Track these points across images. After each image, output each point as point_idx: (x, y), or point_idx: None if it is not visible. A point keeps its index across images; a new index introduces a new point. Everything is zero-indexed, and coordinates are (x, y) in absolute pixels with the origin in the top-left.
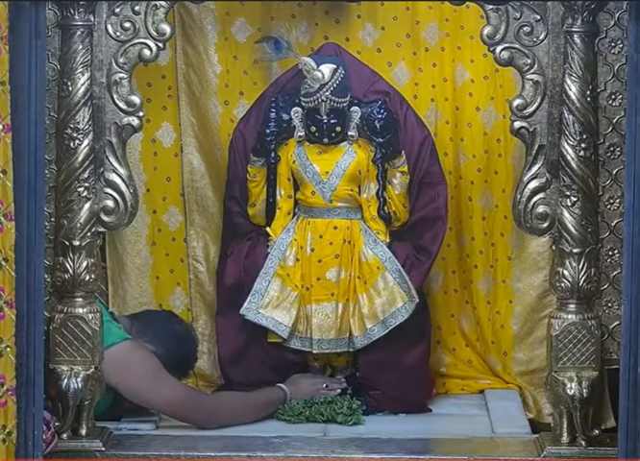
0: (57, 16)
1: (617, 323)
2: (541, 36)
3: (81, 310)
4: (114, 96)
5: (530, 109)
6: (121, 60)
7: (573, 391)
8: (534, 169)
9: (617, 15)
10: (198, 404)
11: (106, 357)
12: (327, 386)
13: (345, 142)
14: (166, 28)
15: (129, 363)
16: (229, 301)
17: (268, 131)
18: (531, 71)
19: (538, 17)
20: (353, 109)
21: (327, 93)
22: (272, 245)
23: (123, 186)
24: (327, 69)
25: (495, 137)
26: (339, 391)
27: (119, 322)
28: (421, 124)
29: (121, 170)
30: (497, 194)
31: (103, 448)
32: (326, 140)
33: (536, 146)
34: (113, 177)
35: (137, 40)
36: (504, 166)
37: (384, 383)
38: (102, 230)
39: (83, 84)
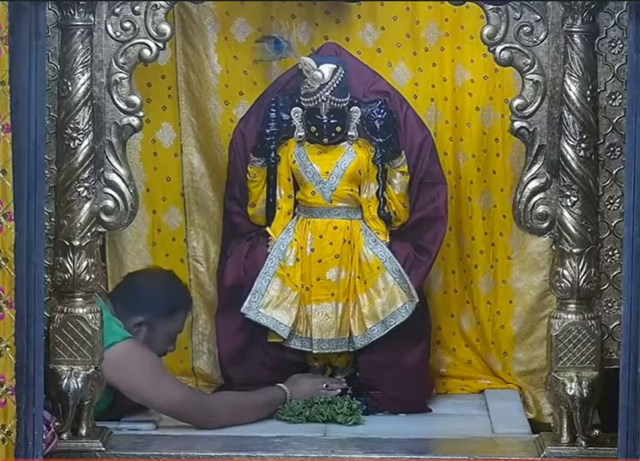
0: (57, 16)
1: (617, 323)
2: (541, 36)
3: (81, 310)
4: (114, 96)
5: (530, 109)
6: (121, 60)
7: (573, 391)
8: (534, 169)
9: (617, 15)
10: (198, 404)
11: (106, 357)
12: (327, 386)
13: (345, 142)
14: (166, 28)
15: (129, 362)
16: (229, 301)
17: (268, 131)
18: (531, 71)
19: (538, 17)
20: (353, 109)
21: (327, 93)
22: (272, 245)
23: (123, 186)
24: (327, 69)
25: (493, 137)
26: (339, 391)
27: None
28: (421, 124)
29: (121, 170)
30: (495, 193)
31: (103, 448)
32: (326, 140)
33: (536, 146)
34: (113, 177)
35: (137, 40)
36: (501, 166)
37: (384, 383)
38: (102, 230)
39: (83, 84)
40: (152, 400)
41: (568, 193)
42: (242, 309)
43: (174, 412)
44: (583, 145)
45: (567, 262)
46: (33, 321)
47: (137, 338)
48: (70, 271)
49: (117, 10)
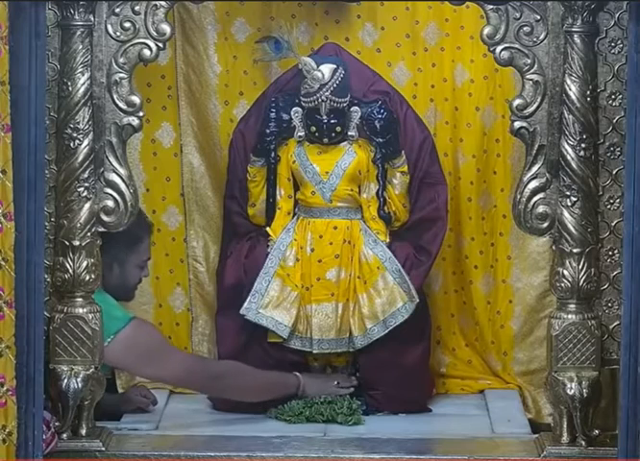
0: (57, 16)
1: (617, 323)
2: (541, 36)
3: (81, 310)
4: (114, 96)
5: (530, 109)
6: (121, 60)
7: (573, 391)
8: (534, 169)
9: (617, 15)
10: (207, 371)
11: (113, 345)
12: (338, 383)
13: (345, 142)
14: (166, 28)
15: (136, 342)
16: (229, 301)
17: (268, 131)
18: (531, 71)
19: (538, 17)
20: (353, 109)
21: (327, 93)
22: (272, 245)
23: (123, 186)
24: (327, 69)
25: (494, 137)
26: (351, 389)
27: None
28: (421, 124)
29: (121, 170)
30: (495, 194)
31: (103, 448)
32: (326, 140)
33: (536, 146)
34: (113, 177)
35: (137, 40)
36: (502, 166)
37: (384, 383)
38: (102, 229)
39: (83, 85)
40: (162, 374)
41: (568, 193)
42: (242, 311)
43: (184, 382)
44: (583, 145)
45: (567, 262)
46: (33, 321)
47: (111, 276)
48: (70, 271)
49: (117, 10)
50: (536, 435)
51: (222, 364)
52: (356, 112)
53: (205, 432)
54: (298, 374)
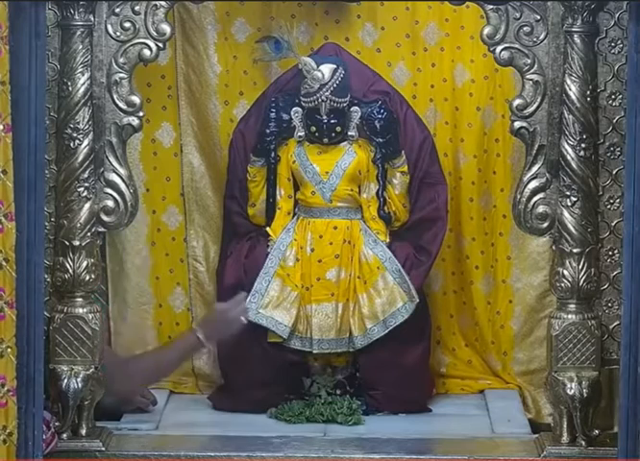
0: (57, 16)
1: (617, 323)
2: (541, 36)
3: (81, 310)
4: (114, 96)
5: (530, 109)
6: (121, 60)
7: (573, 391)
8: (534, 169)
9: (617, 15)
10: (114, 362)
11: None
12: (245, 319)
13: (345, 142)
14: (166, 28)
15: None
16: (228, 300)
17: (268, 131)
18: (531, 71)
19: (538, 17)
20: (353, 109)
21: (327, 93)
22: (272, 245)
23: (123, 186)
24: (327, 69)
25: (494, 137)
26: (244, 321)
27: None
28: (421, 124)
29: (121, 170)
30: (495, 194)
31: (103, 448)
32: (326, 140)
33: (536, 146)
34: (113, 177)
35: (137, 40)
36: (502, 166)
37: (384, 383)
38: (102, 230)
39: (83, 85)
40: None
41: (568, 193)
42: None
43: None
44: (583, 145)
45: (567, 262)
46: (33, 321)
47: None
48: (70, 271)
49: (117, 10)
50: (536, 435)
51: (130, 364)
52: (356, 112)
53: (205, 432)
54: (198, 329)
